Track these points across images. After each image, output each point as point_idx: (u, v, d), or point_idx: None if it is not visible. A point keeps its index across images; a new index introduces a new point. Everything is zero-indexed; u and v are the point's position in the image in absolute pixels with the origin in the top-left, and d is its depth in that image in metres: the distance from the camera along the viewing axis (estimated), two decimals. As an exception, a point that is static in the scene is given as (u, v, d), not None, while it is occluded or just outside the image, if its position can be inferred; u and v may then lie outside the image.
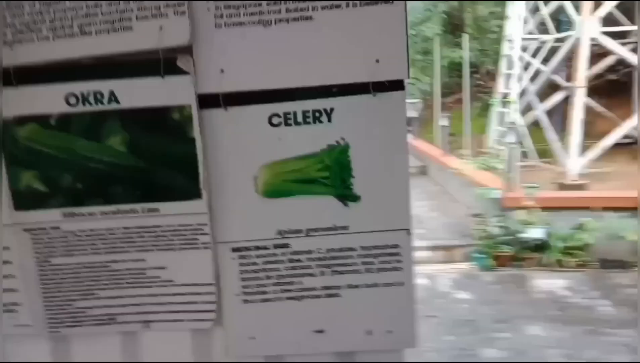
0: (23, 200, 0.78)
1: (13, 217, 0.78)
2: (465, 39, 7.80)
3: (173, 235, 0.78)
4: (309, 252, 0.77)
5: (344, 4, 0.71)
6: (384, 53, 0.71)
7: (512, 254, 3.87)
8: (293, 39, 0.72)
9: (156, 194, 0.77)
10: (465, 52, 7.64)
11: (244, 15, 0.72)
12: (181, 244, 0.78)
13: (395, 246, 0.76)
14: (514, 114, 7.29)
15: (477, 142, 7.94)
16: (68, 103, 0.75)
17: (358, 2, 0.71)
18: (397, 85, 0.73)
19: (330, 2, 0.71)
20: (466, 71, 7.55)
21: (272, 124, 0.75)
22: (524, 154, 6.50)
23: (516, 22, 8.01)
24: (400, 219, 0.76)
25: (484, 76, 10.19)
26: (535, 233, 3.86)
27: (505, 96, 7.97)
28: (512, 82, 7.87)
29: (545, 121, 7.07)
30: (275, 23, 0.72)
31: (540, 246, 3.84)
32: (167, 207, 0.77)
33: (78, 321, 0.81)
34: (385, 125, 0.74)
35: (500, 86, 8.29)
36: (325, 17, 0.71)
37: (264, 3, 0.71)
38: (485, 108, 8.86)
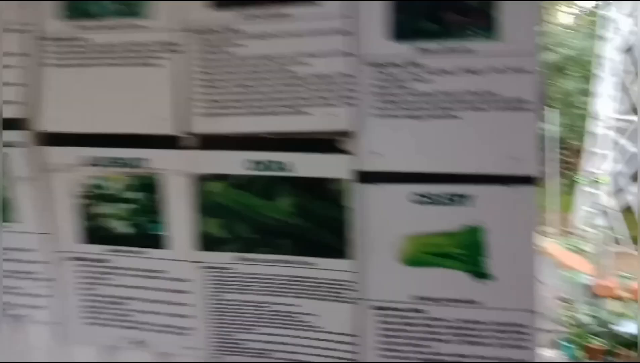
0: (206, 242, 0.95)
1: (196, 256, 0.95)
2: (554, 113, 7.72)
3: (323, 287, 0.91)
4: (442, 320, 0.87)
5: (487, 107, 0.83)
6: (518, 152, 0.83)
7: (604, 347, 3.67)
8: (441, 132, 0.85)
9: (313, 250, 0.91)
10: (555, 127, 7.55)
11: (400, 109, 0.86)
12: (329, 295, 0.91)
13: (521, 325, 0.84)
14: (604, 195, 7.02)
15: (562, 220, 7.68)
16: (250, 168, 0.92)
17: (500, 107, 0.83)
18: (528, 180, 0.83)
19: (476, 106, 0.83)
20: (555, 145, 7.43)
21: (415, 202, 0.87)
22: (616, 240, 6.19)
23: (605, 100, 7.84)
24: (527, 300, 0.84)
25: (570, 152, 9.94)
26: (629, 327, 3.66)
27: (593, 175, 7.71)
28: (600, 161, 7.61)
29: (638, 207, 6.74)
30: (426, 118, 0.85)
31: (635, 342, 3.63)
32: (320, 262, 0.91)
33: (236, 351, 0.95)
34: (517, 213, 0.84)
35: (586, 164, 8.04)
36: (470, 117, 0.84)
37: (418, 101, 0.85)
38: (571, 185, 8.60)
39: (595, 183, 7.37)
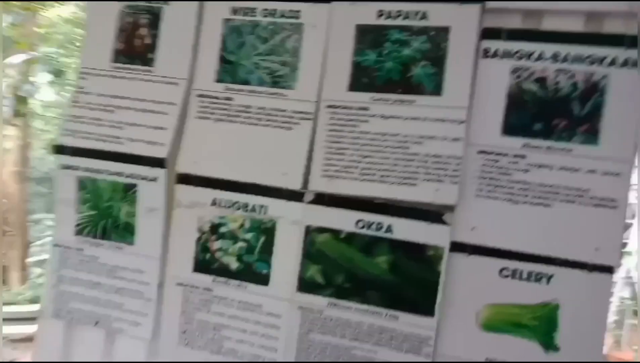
0: (304, 285, 1.07)
1: (294, 296, 1.08)
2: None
3: (403, 339, 1.02)
4: None
5: (579, 201, 0.96)
6: (602, 244, 0.95)
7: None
8: (533, 217, 0.98)
9: (400, 305, 1.02)
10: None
11: (499, 193, 1.00)
12: (407, 348, 1.01)
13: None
14: (629, 266, 6.84)
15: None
16: (356, 226, 1.06)
17: (590, 203, 0.96)
18: (607, 269, 0.95)
19: (567, 198, 0.97)
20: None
21: (501, 275, 0.99)
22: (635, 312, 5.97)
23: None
24: None
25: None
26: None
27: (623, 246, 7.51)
28: (629, 233, 7.45)
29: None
30: (521, 203, 0.99)
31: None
32: (404, 317, 1.02)
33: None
34: (592, 298, 0.95)
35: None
36: (561, 208, 0.97)
37: (517, 188, 0.99)
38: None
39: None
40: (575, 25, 0.99)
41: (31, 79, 5.50)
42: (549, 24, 1.01)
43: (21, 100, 5.09)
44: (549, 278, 0.97)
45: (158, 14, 1.20)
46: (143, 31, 1.22)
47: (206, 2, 1.17)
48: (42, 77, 5.66)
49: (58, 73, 5.25)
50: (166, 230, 1.18)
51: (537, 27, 1.01)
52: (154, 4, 1.21)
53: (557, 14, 1.00)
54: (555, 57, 0.99)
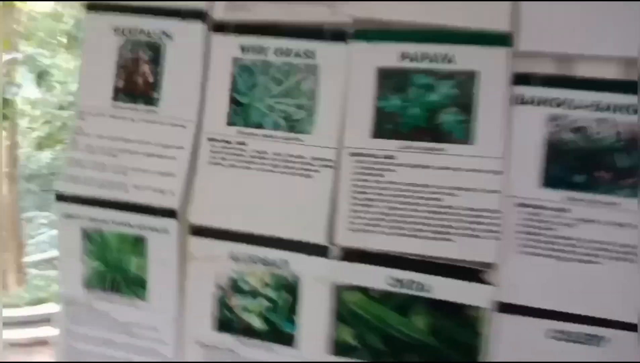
0: (336, 348, 1.00)
1: (325, 359, 1.01)
2: None
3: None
4: None
5: (628, 258, 0.90)
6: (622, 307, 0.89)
7: None
8: (580, 275, 0.91)
9: (440, 369, 0.96)
10: None
11: (542, 249, 0.93)
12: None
13: None
14: None
15: None
16: (391, 284, 0.98)
17: (629, 259, 0.89)
18: (631, 327, 0.89)
19: (616, 255, 0.90)
20: None
21: (547, 336, 0.93)
22: None
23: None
24: None
25: None
26: None
27: None
28: None
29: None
30: (567, 260, 0.92)
31: None
32: (445, 382, 0.96)
33: None
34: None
35: None
36: (610, 265, 0.90)
37: (561, 243, 0.92)
38: None
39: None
40: (613, 71, 0.92)
41: (15, 79, 5.34)
42: (584, 70, 0.93)
43: (6, 102, 4.93)
44: (599, 340, 0.91)
45: (160, 50, 1.11)
46: (145, 68, 1.12)
47: (213, 38, 1.08)
48: (25, 77, 5.51)
49: (42, 73, 5.09)
50: (181, 284, 1.10)
51: (571, 72, 0.93)
52: (156, 39, 1.11)
53: (593, 60, 0.92)
54: (595, 106, 0.91)
